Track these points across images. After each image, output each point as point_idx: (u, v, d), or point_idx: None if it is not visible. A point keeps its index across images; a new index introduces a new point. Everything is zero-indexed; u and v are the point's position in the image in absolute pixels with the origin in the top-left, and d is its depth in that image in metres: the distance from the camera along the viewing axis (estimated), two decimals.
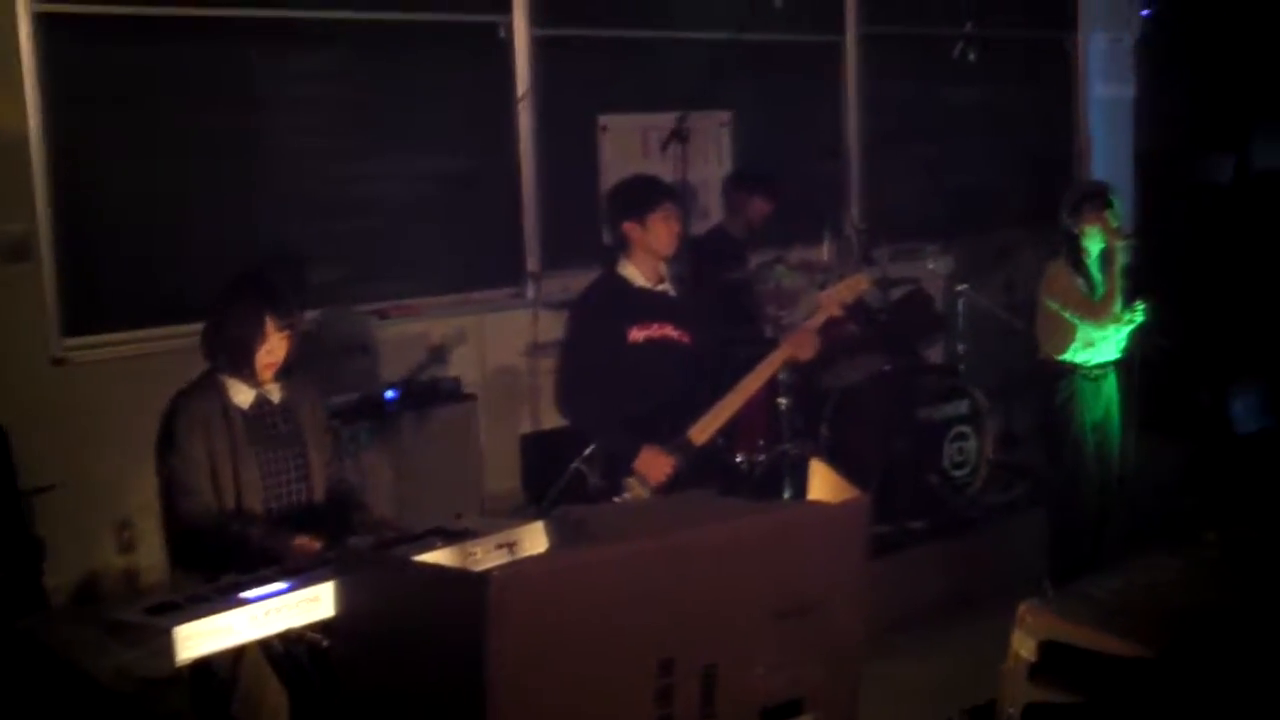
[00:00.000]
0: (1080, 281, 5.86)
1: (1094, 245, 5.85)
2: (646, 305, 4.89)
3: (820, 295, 5.17)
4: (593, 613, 2.30)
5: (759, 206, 7.11)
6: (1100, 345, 5.89)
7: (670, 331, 4.90)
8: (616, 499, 4.80)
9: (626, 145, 7.34)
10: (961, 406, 6.73)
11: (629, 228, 4.88)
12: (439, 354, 6.72)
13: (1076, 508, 6.01)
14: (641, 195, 4.95)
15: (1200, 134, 9.24)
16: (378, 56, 6.63)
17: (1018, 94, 9.27)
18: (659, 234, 4.87)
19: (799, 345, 4.97)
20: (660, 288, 4.95)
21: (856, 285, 5.15)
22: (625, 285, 4.91)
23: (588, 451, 5.16)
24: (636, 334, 4.84)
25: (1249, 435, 8.06)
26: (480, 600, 2.20)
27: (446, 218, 6.93)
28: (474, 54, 6.98)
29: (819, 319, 5.01)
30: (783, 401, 6.34)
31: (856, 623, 2.68)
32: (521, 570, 2.43)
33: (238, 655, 3.61)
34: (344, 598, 2.70)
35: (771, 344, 6.00)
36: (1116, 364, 6.00)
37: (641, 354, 4.84)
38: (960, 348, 7.41)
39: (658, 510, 3.66)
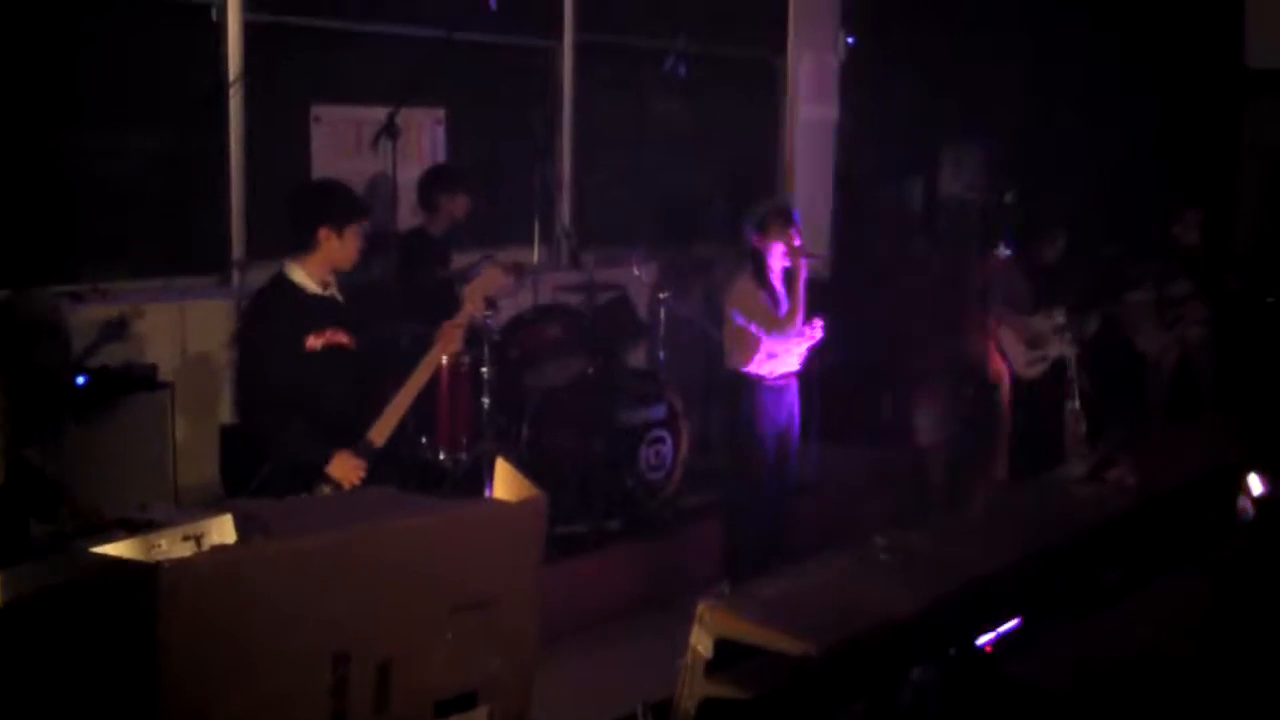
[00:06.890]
0: (764, 295, 6.11)
1: (777, 262, 6.12)
2: (319, 312, 4.91)
3: (465, 289, 5.30)
4: (264, 606, 2.33)
5: (461, 203, 7.16)
6: (783, 357, 6.16)
7: (341, 337, 4.95)
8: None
9: (339, 137, 7.28)
10: (659, 411, 6.93)
11: (325, 233, 4.87)
12: (135, 340, 6.52)
13: (754, 513, 6.28)
14: (346, 205, 4.97)
15: (894, 158, 9.74)
16: (84, 30, 6.39)
17: (725, 110, 9.51)
18: (350, 248, 4.93)
19: (446, 341, 5.09)
20: (329, 293, 4.98)
21: (493, 278, 5.32)
22: (299, 292, 4.91)
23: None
24: (313, 342, 4.85)
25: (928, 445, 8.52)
26: (151, 590, 2.21)
27: (150, 200, 6.73)
28: (186, 34, 6.80)
29: (465, 314, 5.16)
30: (485, 401, 6.41)
31: (531, 618, 2.78)
32: (192, 561, 2.44)
33: None
34: (8, 588, 2.64)
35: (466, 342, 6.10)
36: (798, 375, 6.28)
37: (319, 362, 4.86)
38: (660, 354, 7.61)
39: (334, 505, 3.68)
